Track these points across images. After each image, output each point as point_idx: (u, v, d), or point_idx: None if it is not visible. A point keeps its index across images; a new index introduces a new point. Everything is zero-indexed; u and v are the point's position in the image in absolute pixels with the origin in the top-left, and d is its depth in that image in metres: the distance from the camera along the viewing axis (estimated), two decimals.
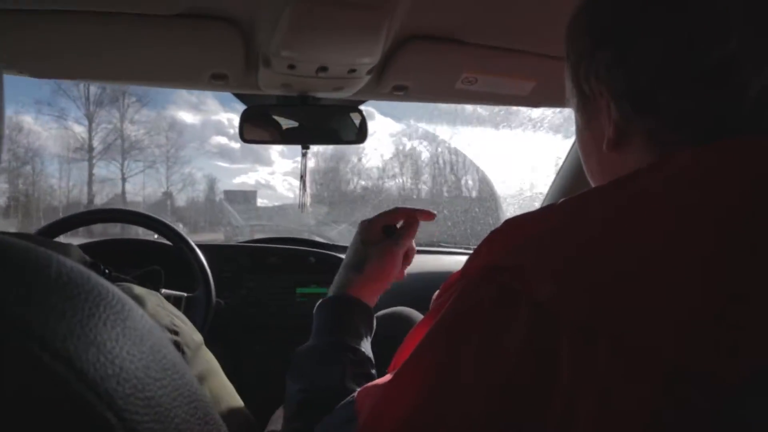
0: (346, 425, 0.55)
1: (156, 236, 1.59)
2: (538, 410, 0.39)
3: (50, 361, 0.23)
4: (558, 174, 1.76)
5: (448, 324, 0.46)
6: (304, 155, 1.45)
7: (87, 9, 0.89)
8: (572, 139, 1.69)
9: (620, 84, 0.50)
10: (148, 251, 1.65)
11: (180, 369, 0.29)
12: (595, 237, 0.42)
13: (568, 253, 0.42)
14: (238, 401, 0.92)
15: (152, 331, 0.29)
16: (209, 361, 0.85)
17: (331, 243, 2.00)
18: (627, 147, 0.51)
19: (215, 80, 1.15)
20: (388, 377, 0.54)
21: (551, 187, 1.82)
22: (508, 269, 0.43)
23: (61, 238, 1.45)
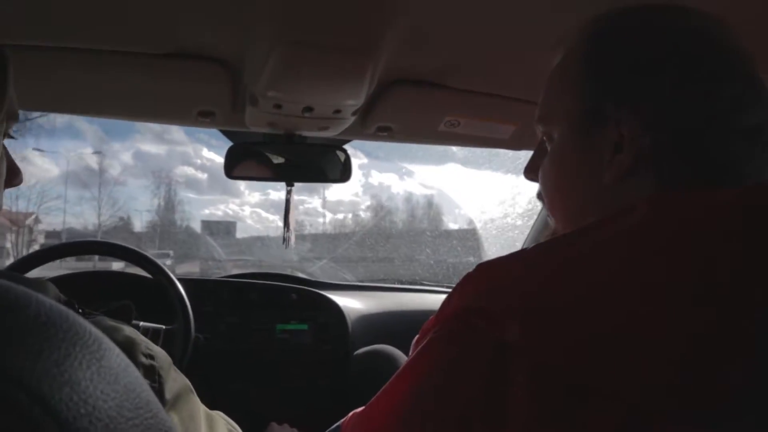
0: None
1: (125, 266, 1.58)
2: None
3: (25, 401, 0.23)
4: (538, 216, 1.79)
5: (419, 359, 0.49)
6: (289, 192, 1.46)
7: (77, 46, 0.91)
8: None
9: (664, 118, 0.51)
10: (125, 284, 1.63)
11: (153, 407, 0.29)
12: (560, 282, 0.44)
13: (534, 297, 0.43)
14: (213, 416, 0.92)
15: (127, 369, 0.29)
16: (182, 379, 0.86)
17: (313, 279, 1.99)
18: (630, 180, 0.52)
19: (202, 117, 1.17)
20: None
21: (532, 228, 1.85)
22: (477, 311, 0.45)
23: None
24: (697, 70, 0.50)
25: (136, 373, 0.30)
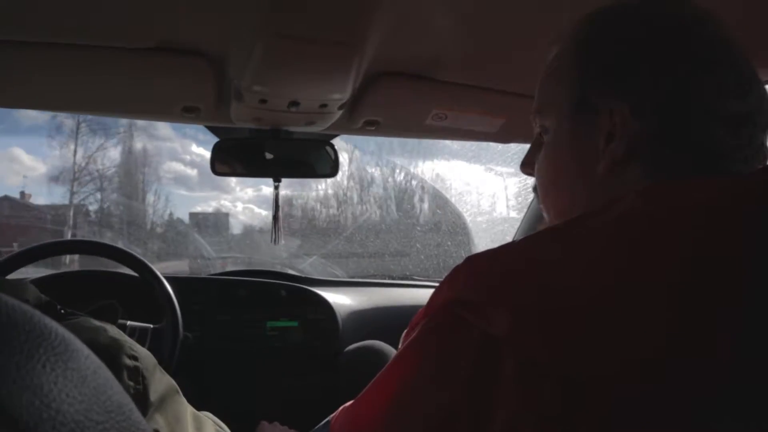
0: None
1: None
2: None
3: None
4: (529, 209, 1.79)
5: (407, 352, 0.49)
6: (276, 188, 1.45)
7: (59, 41, 0.89)
8: None
9: (650, 105, 0.51)
10: (112, 283, 1.61)
11: (126, 410, 0.28)
12: (550, 275, 0.43)
13: (524, 290, 0.43)
14: (200, 417, 0.91)
15: (97, 371, 0.28)
16: (168, 380, 0.85)
17: (303, 276, 1.98)
18: (623, 170, 0.53)
19: (187, 113, 1.15)
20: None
21: (522, 221, 1.85)
22: (465, 303, 0.45)
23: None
24: (678, 60, 0.51)
25: (107, 375, 0.29)
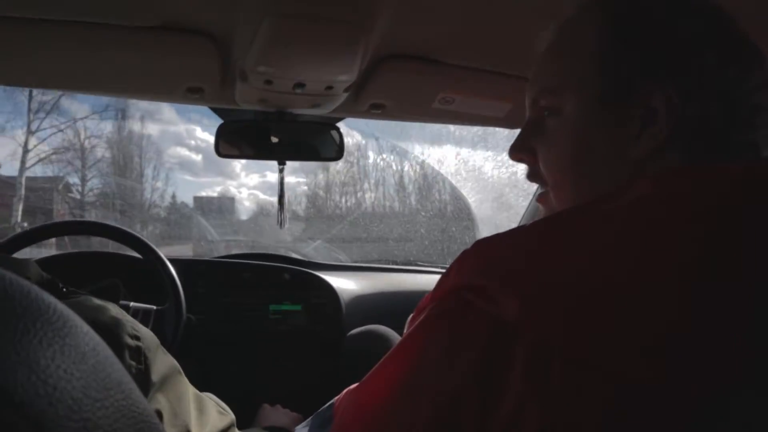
0: (326, 424, 0.62)
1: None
2: (485, 419, 0.41)
3: None
4: (534, 194, 1.78)
5: (414, 336, 0.49)
6: (281, 171, 1.44)
7: (63, 18, 0.88)
8: None
9: (705, 93, 0.50)
10: (116, 264, 1.62)
11: (125, 388, 0.28)
12: (560, 259, 0.43)
13: (534, 275, 0.43)
14: (202, 398, 0.91)
15: (96, 348, 0.27)
16: (170, 360, 0.85)
17: (306, 260, 1.98)
18: (663, 155, 0.51)
19: (191, 93, 1.14)
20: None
21: (527, 208, 1.84)
22: (474, 288, 0.44)
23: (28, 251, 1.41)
24: (736, 50, 0.51)
25: (107, 352, 0.28)
